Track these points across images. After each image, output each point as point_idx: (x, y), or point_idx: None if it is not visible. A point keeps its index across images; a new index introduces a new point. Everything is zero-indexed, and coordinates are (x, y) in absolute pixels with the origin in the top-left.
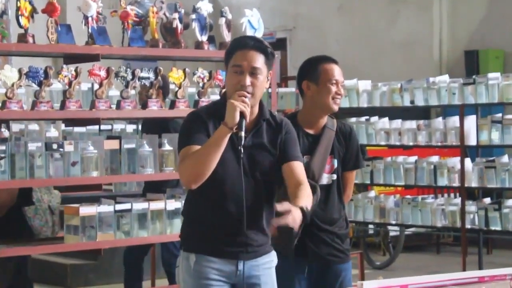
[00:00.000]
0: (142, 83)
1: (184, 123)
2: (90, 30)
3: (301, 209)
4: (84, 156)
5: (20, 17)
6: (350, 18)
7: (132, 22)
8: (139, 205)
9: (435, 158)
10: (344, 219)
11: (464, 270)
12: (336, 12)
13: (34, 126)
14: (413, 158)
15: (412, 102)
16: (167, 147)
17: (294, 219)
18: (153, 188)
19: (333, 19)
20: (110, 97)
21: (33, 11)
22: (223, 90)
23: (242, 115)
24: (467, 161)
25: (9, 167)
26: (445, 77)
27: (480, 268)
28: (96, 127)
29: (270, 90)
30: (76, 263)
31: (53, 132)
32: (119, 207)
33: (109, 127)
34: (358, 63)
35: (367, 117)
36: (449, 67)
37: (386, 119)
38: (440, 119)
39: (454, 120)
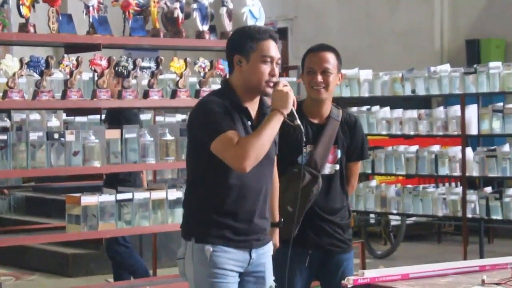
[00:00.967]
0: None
1: (209, 111)
2: (91, 20)
3: (277, 224)
4: (85, 146)
5: (21, 6)
6: (351, 8)
7: (133, 12)
8: (140, 195)
9: (436, 148)
10: (346, 209)
11: (465, 259)
12: (337, 2)
13: (35, 116)
14: (414, 148)
15: (413, 91)
16: (168, 136)
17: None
18: (111, 183)
19: (334, 9)
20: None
21: (34, 0)
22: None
23: (293, 104)
24: (468, 150)
25: (11, 157)
26: (446, 66)
27: (481, 257)
28: (97, 116)
29: None
30: (77, 253)
31: (54, 122)
32: (121, 196)
33: None
34: (359, 53)
35: (368, 106)
36: (450, 56)
37: (387, 108)
38: (441, 108)
39: (455, 110)
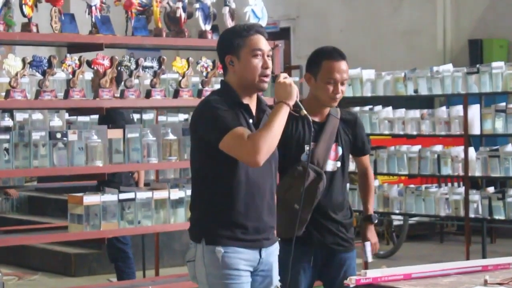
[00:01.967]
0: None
1: (214, 109)
2: (93, 19)
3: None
4: (88, 145)
5: (23, 6)
6: (354, 7)
7: (135, 11)
8: (143, 194)
9: (438, 147)
10: (348, 208)
11: (467, 259)
12: (340, 1)
13: (38, 115)
14: (416, 147)
15: (415, 91)
16: (170, 136)
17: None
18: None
19: (337, 8)
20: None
21: (37, 0)
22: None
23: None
24: (471, 150)
25: (13, 157)
26: (449, 66)
27: (484, 257)
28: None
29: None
30: (80, 252)
31: (57, 122)
32: (123, 196)
33: None
34: (361, 52)
35: (371, 106)
36: (453, 56)
37: (389, 108)
38: (443, 108)
39: (458, 109)
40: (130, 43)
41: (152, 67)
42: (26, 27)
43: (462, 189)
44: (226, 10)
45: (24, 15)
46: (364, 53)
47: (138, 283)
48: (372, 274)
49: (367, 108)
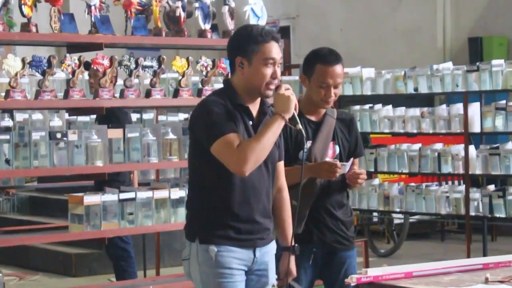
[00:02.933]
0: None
1: (210, 112)
2: (93, 19)
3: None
4: (88, 145)
5: (23, 6)
6: (354, 6)
7: (135, 11)
8: (143, 194)
9: (439, 146)
10: (348, 206)
11: (468, 257)
12: (340, 0)
13: (37, 116)
14: (417, 146)
15: (415, 89)
16: (171, 135)
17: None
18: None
19: (337, 7)
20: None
21: (36, 0)
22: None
23: (294, 108)
24: (471, 148)
25: (13, 157)
26: (449, 64)
27: (485, 255)
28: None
29: None
30: (80, 252)
31: (56, 121)
32: (123, 196)
33: None
34: (361, 51)
35: (371, 104)
36: (452, 54)
37: (389, 106)
38: (444, 106)
39: (458, 108)
40: (130, 42)
41: (151, 67)
42: (25, 27)
43: (462, 187)
44: (225, 9)
45: (23, 15)
46: (364, 51)
47: (139, 283)
48: (373, 272)
49: (367, 106)
